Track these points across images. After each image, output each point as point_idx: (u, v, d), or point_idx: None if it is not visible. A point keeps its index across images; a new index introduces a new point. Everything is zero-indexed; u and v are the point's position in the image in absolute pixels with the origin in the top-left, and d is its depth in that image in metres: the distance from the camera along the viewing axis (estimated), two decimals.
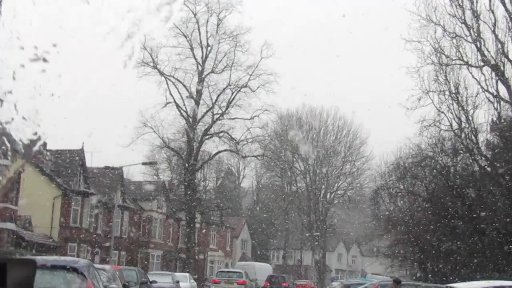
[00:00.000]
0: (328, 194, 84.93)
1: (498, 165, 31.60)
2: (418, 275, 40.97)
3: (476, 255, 28.25)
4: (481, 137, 36.27)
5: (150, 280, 30.55)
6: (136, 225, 57.13)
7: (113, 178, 52.31)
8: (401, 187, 38.43)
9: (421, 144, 36.97)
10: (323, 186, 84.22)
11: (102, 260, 44.89)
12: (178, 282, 36.80)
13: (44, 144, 47.99)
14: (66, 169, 47.81)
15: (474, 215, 29.19)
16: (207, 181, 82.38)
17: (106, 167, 41.52)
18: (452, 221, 31.03)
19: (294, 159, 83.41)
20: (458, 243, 28.96)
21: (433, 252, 32.95)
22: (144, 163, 42.36)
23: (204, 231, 70.44)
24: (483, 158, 35.18)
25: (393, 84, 76.54)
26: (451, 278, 26.35)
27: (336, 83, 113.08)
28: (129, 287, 18.29)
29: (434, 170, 34.97)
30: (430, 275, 34.56)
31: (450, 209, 31.55)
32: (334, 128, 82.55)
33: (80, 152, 48.43)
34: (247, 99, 54.92)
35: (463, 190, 31.45)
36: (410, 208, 39.78)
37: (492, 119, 36.51)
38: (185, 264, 56.28)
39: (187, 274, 43.76)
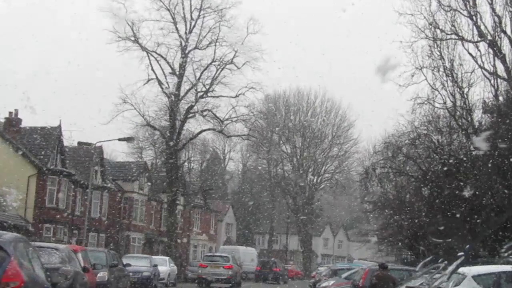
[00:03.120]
0: (315, 178, 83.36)
1: (491, 143, 29.98)
2: (408, 259, 39.48)
3: (472, 235, 26.72)
4: (477, 115, 34.67)
5: (125, 263, 28.84)
6: (116, 207, 55.25)
7: (91, 157, 50.40)
8: (393, 166, 36.70)
9: (414, 122, 35.35)
10: (310, 169, 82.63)
11: (78, 242, 43.03)
12: (156, 265, 35.13)
13: (19, 120, 46.15)
14: (42, 147, 45.86)
15: (470, 195, 27.60)
16: (191, 164, 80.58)
17: (80, 143, 39.47)
18: (447, 201, 29.46)
19: (281, 142, 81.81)
20: (453, 223, 27.43)
21: (425, 233, 31.43)
22: (120, 139, 40.30)
23: (187, 214, 68.77)
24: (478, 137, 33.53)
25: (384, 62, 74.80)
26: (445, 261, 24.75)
27: (325, 63, 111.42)
28: (89, 270, 16.30)
29: (429, 149, 33.29)
30: (421, 259, 32.95)
31: (444, 189, 29.92)
32: (322, 110, 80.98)
33: (57, 130, 46.47)
34: (232, 77, 53.14)
35: (459, 169, 29.80)
36: (401, 189, 38.24)
37: (484, 100, 34.89)
38: (167, 247, 54.53)
39: (166, 258, 42.17)
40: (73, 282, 12.85)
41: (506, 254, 15.50)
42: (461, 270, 15.21)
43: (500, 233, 25.80)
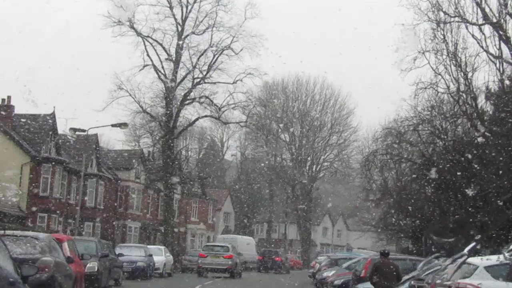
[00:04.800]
0: (314, 166, 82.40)
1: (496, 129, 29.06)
2: (410, 248, 38.52)
3: (481, 224, 25.79)
4: (481, 101, 33.65)
5: (118, 252, 27.99)
6: (112, 196, 54.26)
7: (87, 145, 49.51)
8: (394, 153, 35.66)
9: (417, 107, 34.27)
10: (308, 158, 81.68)
11: (72, 231, 42.14)
12: (151, 255, 34.21)
13: (12, 108, 45.16)
14: (36, 135, 45.00)
15: (476, 182, 26.67)
16: (189, 152, 79.61)
17: (73, 129, 38.50)
18: (451, 189, 28.54)
19: (280, 130, 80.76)
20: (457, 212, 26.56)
21: (431, 223, 30.51)
22: (113, 125, 39.35)
23: (185, 202, 67.89)
24: (482, 124, 32.55)
25: (385, 50, 73.08)
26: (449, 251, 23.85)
27: (324, 48, 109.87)
28: (74, 260, 15.31)
29: (433, 135, 32.28)
30: (423, 248, 32.05)
31: (449, 176, 28.93)
32: (321, 97, 79.89)
33: (51, 117, 45.59)
34: (230, 63, 52.12)
35: (464, 154, 28.77)
36: (403, 177, 37.25)
37: (486, 86, 33.87)
38: (164, 236, 53.65)
39: (162, 247, 41.28)
40: (53, 274, 11.85)
41: (507, 255, 14.59)
42: (472, 260, 14.26)
43: (510, 233, 24.94)
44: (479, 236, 18.02)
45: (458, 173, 28.86)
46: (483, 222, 26.65)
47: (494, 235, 25.11)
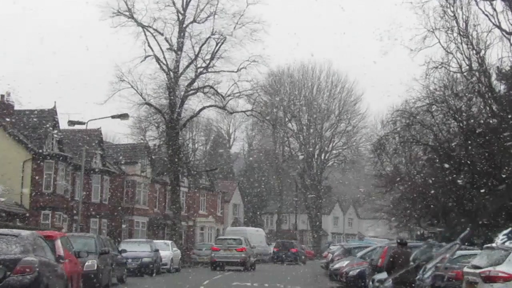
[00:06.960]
0: (323, 155, 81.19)
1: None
2: (425, 235, 37.40)
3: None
4: (495, 79, 32.32)
5: (121, 248, 26.90)
6: (118, 190, 53.20)
7: (90, 140, 48.47)
8: (406, 136, 34.41)
9: (429, 86, 33.01)
10: (317, 146, 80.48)
11: (76, 228, 41.06)
12: (157, 250, 33.11)
13: (12, 104, 44.11)
14: (37, 131, 43.93)
15: (494, 165, 25.47)
16: (196, 145, 78.50)
17: (71, 122, 37.37)
18: (468, 172, 27.35)
19: (287, 119, 79.56)
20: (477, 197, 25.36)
21: (446, 208, 29.35)
22: (113, 116, 38.22)
23: (193, 195, 66.84)
24: (496, 103, 31.29)
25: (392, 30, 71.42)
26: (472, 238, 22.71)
27: (330, 35, 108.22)
28: (66, 258, 14.11)
29: (447, 115, 31.01)
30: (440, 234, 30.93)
31: (465, 159, 27.74)
32: (327, 84, 78.68)
33: (52, 112, 44.52)
34: (233, 51, 50.85)
35: (480, 133, 27.54)
36: (416, 160, 36.08)
37: (498, 66, 32.59)
38: (172, 230, 52.57)
39: (169, 242, 40.23)
40: (38, 276, 10.67)
41: (500, 242, 13.52)
42: (505, 245, 13.04)
43: (500, 221, 23.85)
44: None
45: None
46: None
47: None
